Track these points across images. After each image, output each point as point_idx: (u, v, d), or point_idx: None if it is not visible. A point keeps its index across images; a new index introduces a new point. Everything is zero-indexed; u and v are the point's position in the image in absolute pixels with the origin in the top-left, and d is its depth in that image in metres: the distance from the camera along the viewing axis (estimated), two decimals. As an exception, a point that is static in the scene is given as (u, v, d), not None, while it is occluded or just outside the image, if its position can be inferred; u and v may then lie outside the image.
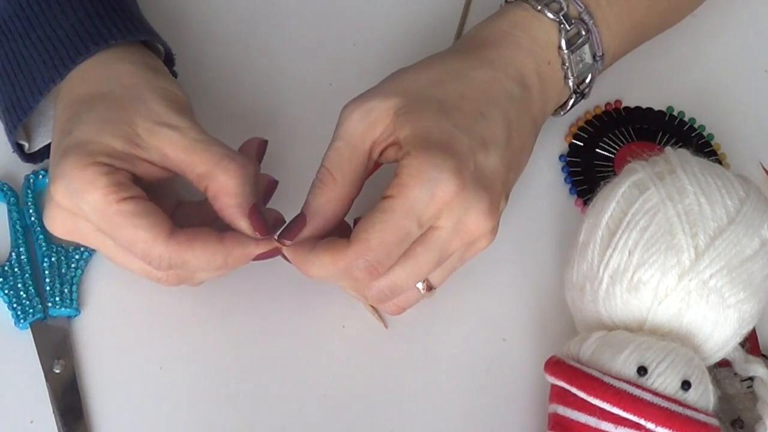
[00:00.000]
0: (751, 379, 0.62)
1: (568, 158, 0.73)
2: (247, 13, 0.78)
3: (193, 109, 0.63)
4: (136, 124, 0.59)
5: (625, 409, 0.56)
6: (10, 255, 0.66)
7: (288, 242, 0.59)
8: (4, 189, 0.68)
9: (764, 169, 0.73)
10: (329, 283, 0.62)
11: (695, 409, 0.56)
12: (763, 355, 0.65)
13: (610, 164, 0.73)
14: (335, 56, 0.77)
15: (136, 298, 0.65)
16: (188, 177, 0.60)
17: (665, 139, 0.74)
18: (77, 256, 0.66)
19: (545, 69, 0.65)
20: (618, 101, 0.76)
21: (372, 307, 0.65)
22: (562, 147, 0.74)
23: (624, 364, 0.57)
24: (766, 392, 0.60)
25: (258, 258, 0.60)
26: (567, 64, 0.66)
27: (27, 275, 0.65)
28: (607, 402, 0.56)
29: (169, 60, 0.68)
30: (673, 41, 0.78)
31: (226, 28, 0.78)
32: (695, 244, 0.59)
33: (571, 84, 0.67)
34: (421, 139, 0.58)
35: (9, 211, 0.67)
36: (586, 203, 0.70)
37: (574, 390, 0.57)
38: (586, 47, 0.67)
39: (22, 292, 0.64)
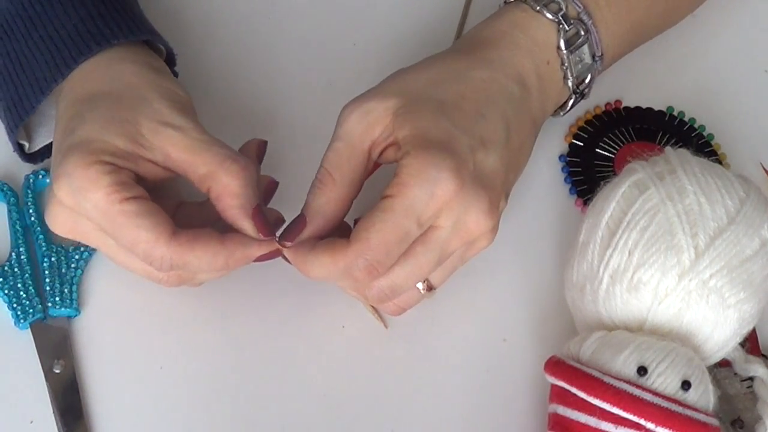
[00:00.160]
0: (751, 379, 0.62)
1: (568, 158, 0.73)
2: (247, 13, 0.78)
3: (195, 110, 0.63)
4: (140, 123, 0.59)
5: (625, 409, 0.56)
6: (10, 255, 0.66)
7: (289, 243, 0.59)
8: (4, 189, 0.68)
9: (764, 169, 0.73)
10: (329, 283, 0.62)
11: (695, 409, 0.56)
12: (763, 355, 0.65)
13: (610, 164, 0.73)
14: (335, 56, 0.77)
15: (136, 298, 0.65)
16: (190, 178, 0.60)
17: (665, 139, 0.74)
18: (77, 256, 0.66)
19: (544, 69, 0.65)
20: (618, 101, 0.76)
21: (372, 307, 0.65)
22: (562, 147, 0.74)
23: (624, 364, 0.57)
24: (766, 392, 0.60)
25: (259, 259, 0.60)
26: (566, 65, 0.66)
27: (27, 275, 0.65)
28: (607, 402, 0.56)
29: (170, 60, 0.68)
30: (673, 41, 0.78)
31: (226, 29, 0.78)
32: (695, 244, 0.59)
33: (570, 84, 0.67)
34: (421, 139, 0.58)
35: (9, 211, 0.67)
36: (586, 203, 0.70)
37: (574, 390, 0.57)
38: (585, 47, 0.67)
39: (22, 292, 0.64)
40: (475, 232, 0.59)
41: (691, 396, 0.57)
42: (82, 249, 0.66)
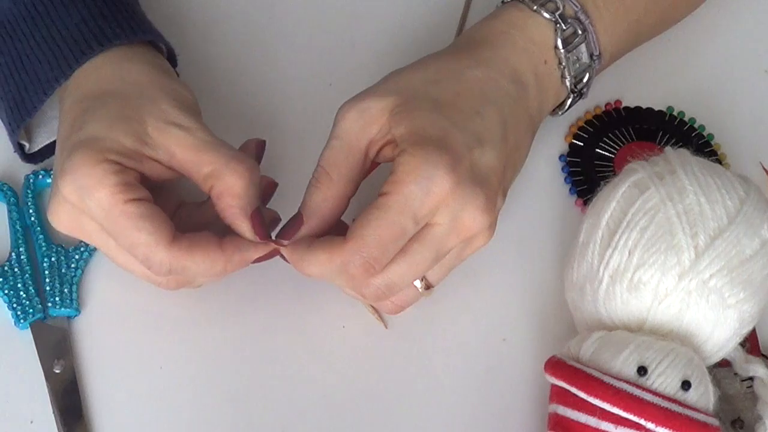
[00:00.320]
0: (751, 379, 0.62)
1: (568, 158, 0.73)
2: (246, 13, 0.78)
3: (200, 111, 0.63)
4: (147, 122, 0.59)
5: (625, 409, 0.56)
6: (10, 255, 0.66)
7: (285, 242, 0.59)
8: (4, 189, 0.68)
9: (764, 169, 0.73)
10: (328, 283, 0.62)
11: (695, 409, 0.56)
12: (763, 355, 0.65)
13: (610, 164, 0.73)
14: (335, 56, 0.77)
15: (136, 298, 0.65)
16: (193, 177, 0.60)
17: (665, 139, 0.74)
18: (77, 256, 0.66)
19: (541, 68, 0.66)
20: (618, 101, 0.76)
21: (372, 307, 0.65)
22: (562, 147, 0.74)
23: (624, 364, 0.57)
24: (766, 392, 0.60)
25: (257, 261, 0.60)
26: (563, 64, 0.66)
27: (27, 275, 0.65)
28: (607, 402, 0.56)
29: (170, 60, 0.68)
30: (673, 41, 0.78)
31: (226, 29, 0.78)
32: (695, 244, 0.59)
33: (568, 83, 0.67)
34: (417, 137, 0.58)
35: (9, 211, 0.67)
36: (586, 203, 0.70)
37: (574, 390, 0.57)
38: (583, 46, 0.67)
39: (22, 292, 0.64)
40: (472, 229, 0.59)
41: (691, 396, 0.57)
42: (82, 249, 0.66)
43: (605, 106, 0.76)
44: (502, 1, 0.68)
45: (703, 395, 0.57)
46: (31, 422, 0.61)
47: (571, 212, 0.71)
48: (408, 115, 0.59)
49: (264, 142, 0.63)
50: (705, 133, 0.74)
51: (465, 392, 0.64)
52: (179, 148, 0.59)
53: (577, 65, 0.67)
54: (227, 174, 0.58)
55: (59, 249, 0.66)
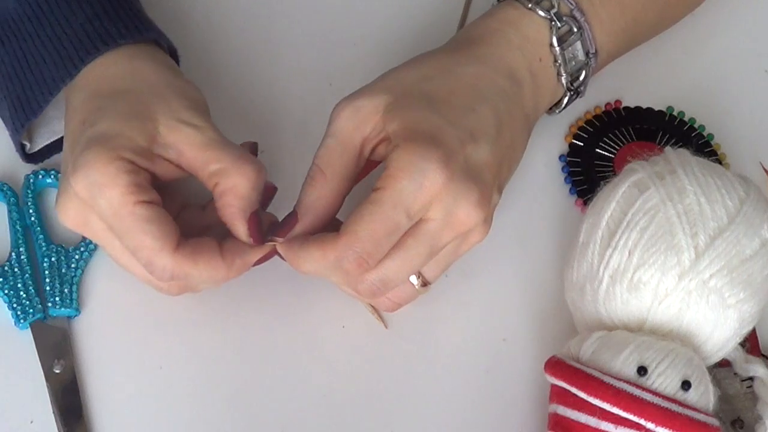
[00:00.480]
0: (751, 379, 0.62)
1: (568, 158, 0.73)
2: (246, 13, 0.78)
3: (209, 110, 0.63)
4: (158, 120, 0.59)
5: (625, 409, 0.56)
6: (10, 255, 0.66)
7: (280, 239, 0.60)
8: (4, 189, 0.68)
9: (764, 169, 0.73)
10: (327, 281, 0.62)
11: (695, 409, 0.56)
12: (763, 355, 0.65)
13: (610, 164, 0.73)
14: (335, 56, 0.77)
15: (136, 298, 0.65)
16: (199, 175, 0.60)
17: (665, 139, 0.74)
18: (77, 256, 0.66)
19: (536, 65, 0.66)
20: (618, 101, 0.76)
21: (372, 306, 0.65)
22: (562, 147, 0.74)
23: (624, 364, 0.57)
24: (766, 392, 0.60)
25: (257, 263, 0.61)
26: (559, 61, 0.66)
27: (27, 275, 0.65)
28: (607, 402, 0.56)
29: (173, 59, 0.68)
30: (673, 41, 0.78)
31: (226, 29, 0.78)
32: (695, 244, 0.59)
33: (564, 81, 0.67)
34: (410, 132, 0.58)
35: (9, 211, 0.67)
36: (586, 203, 0.70)
37: (574, 390, 0.57)
38: (578, 44, 0.67)
39: (22, 292, 0.64)
40: (466, 224, 0.59)
41: (691, 396, 0.57)
42: (82, 249, 0.66)
43: (605, 106, 0.76)
44: (498, 0, 0.68)
45: (703, 395, 0.57)
46: (31, 422, 0.61)
47: (571, 212, 0.71)
48: (401, 111, 0.59)
49: (256, 143, 0.64)
50: (705, 133, 0.74)
51: (465, 392, 0.64)
52: (188, 146, 0.59)
53: (573, 63, 0.67)
54: (234, 173, 0.59)
55: (59, 249, 0.66)
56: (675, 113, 0.75)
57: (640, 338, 0.58)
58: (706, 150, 0.73)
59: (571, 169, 0.73)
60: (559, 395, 0.59)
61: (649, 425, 0.55)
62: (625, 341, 0.58)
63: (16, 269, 0.65)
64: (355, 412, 0.63)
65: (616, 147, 0.73)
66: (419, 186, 0.57)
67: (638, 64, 0.76)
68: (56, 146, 0.68)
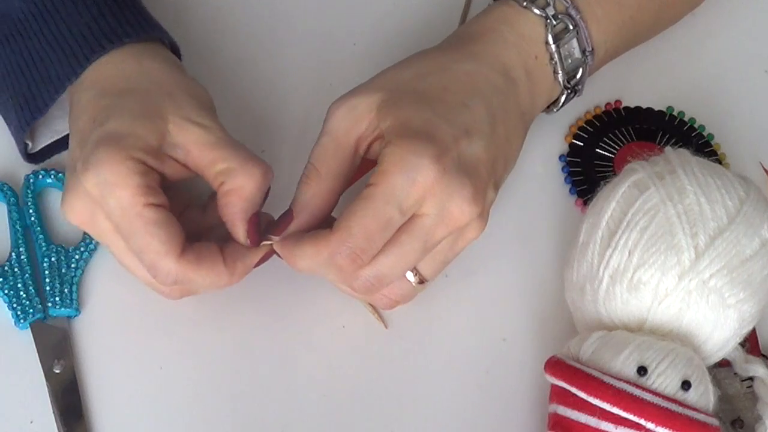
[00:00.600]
0: (751, 379, 0.62)
1: (568, 158, 0.73)
2: (247, 14, 0.78)
3: (216, 110, 0.63)
4: (168, 119, 0.59)
5: (625, 409, 0.56)
6: (10, 255, 0.66)
7: (275, 237, 0.60)
8: (4, 189, 0.68)
9: (764, 169, 0.73)
10: (326, 281, 0.62)
11: (695, 409, 0.56)
12: (763, 355, 0.65)
13: (610, 164, 0.73)
14: (335, 56, 0.77)
15: (136, 298, 0.64)
16: (205, 174, 0.60)
17: (665, 139, 0.74)
18: (77, 256, 0.66)
19: (532, 63, 0.66)
20: (618, 101, 0.76)
21: (372, 306, 0.65)
22: (562, 147, 0.74)
23: (624, 364, 0.57)
24: (766, 392, 0.60)
25: (257, 265, 0.61)
26: (555, 59, 0.66)
27: (27, 275, 0.65)
28: (607, 402, 0.56)
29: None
30: (673, 41, 0.78)
31: (226, 29, 0.78)
32: (695, 244, 0.59)
33: (560, 79, 0.67)
34: (402, 128, 0.58)
35: (9, 211, 0.67)
36: (586, 203, 0.70)
37: (574, 390, 0.57)
38: (574, 42, 0.67)
39: (22, 292, 0.64)
40: (460, 219, 0.59)
41: (691, 396, 0.57)
42: (82, 249, 0.66)
43: (605, 106, 0.76)
44: None
45: (703, 395, 0.57)
46: (31, 422, 0.61)
47: (571, 212, 0.71)
48: (394, 108, 0.59)
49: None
50: (705, 133, 0.74)
51: (465, 392, 0.64)
52: (195, 146, 0.59)
53: (569, 61, 0.67)
54: (241, 174, 0.59)
55: (59, 249, 0.66)
56: (675, 113, 0.75)
57: (640, 338, 0.58)
58: (706, 150, 0.73)
59: (571, 169, 0.73)
60: (559, 395, 0.59)
61: (649, 425, 0.55)
62: (625, 341, 0.58)
63: (16, 269, 0.65)
64: (354, 412, 0.63)
65: (616, 147, 0.73)
66: (412, 181, 0.57)
67: (638, 64, 0.76)
68: (57, 146, 0.68)
